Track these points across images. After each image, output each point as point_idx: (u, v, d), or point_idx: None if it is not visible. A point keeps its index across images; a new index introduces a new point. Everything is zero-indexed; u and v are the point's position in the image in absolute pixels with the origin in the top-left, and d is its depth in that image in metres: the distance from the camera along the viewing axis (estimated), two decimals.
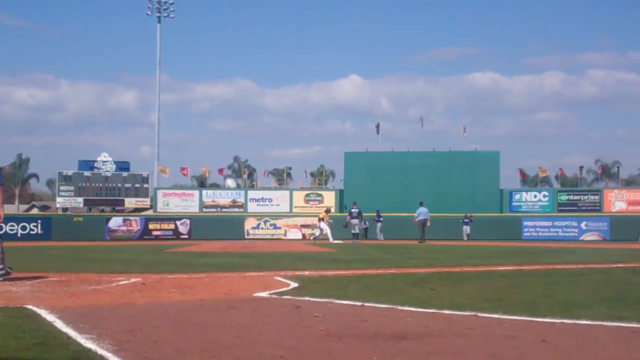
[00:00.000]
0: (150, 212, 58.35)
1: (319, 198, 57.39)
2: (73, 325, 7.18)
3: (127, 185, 57.56)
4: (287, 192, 58.94)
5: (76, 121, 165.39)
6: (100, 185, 56.80)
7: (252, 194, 58.39)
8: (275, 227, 54.49)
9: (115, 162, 58.20)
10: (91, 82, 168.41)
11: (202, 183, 79.15)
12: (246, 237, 53.50)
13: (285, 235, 53.95)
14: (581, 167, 72.78)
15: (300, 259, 22.55)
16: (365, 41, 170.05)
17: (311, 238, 43.10)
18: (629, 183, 78.98)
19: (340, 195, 57.37)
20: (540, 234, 52.09)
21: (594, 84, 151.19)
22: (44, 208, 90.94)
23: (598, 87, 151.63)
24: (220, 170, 68.29)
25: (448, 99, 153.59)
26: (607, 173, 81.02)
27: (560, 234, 51.86)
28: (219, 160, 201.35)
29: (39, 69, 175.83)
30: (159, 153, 67.06)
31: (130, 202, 58.05)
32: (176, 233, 53.25)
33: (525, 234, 52.39)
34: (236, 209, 56.86)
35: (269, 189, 62.94)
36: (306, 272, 15.47)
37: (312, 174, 72.83)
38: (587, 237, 51.07)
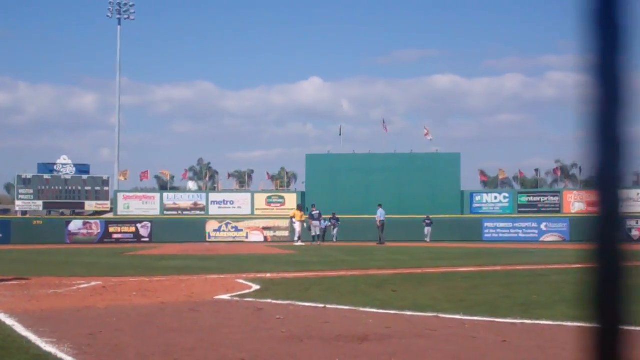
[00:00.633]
0: (110, 215, 57.87)
1: (280, 200, 57.31)
2: (33, 329, 7.12)
3: (87, 188, 57.08)
4: (248, 195, 58.78)
5: (35, 124, 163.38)
6: (60, 188, 56.24)
7: (213, 196, 58.14)
8: (237, 229, 54.29)
9: (75, 165, 57.67)
10: (51, 84, 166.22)
11: (163, 186, 78.73)
12: (208, 239, 53.23)
13: (247, 237, 53.76)
14: (537, 170, 73.46)
15: (262, 261, 22.54)
16: (326, 43, 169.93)
17: (297, 242, 42.80)
18: (588, 184, 79.54)
19: (302, 197, 57.33)
20: (500, 235, 52.39)
21: (553, 86, 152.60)
22: (3, 212, 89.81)
23: (557, 89, 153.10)
24: (185, 174, 68.08)
25: (409, 101, 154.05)
26: (566, 174, 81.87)
27: (520, 235, 52.20)
28: (181, 162, 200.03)
29: None
30: (119, 156, 66.72)
31: (90, 205, 57.55)
32: (137, 236, 52.84)
33: (485, 235, 52.68)
34: (197, 212, 56.60)
35: (231, 191, 62.69)
36: (268, 275, 15.47)
37: (273, 177, 72.66)
38: (547, 238, 51.47)
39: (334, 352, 5.96)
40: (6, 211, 69.18)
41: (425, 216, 50.69)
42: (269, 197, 57.98)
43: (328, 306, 9.28)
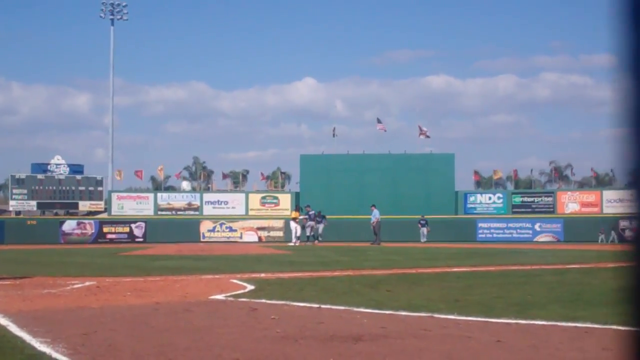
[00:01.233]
0: (104, 215, 57.77)
1: (275, 201, 57.28)
2: (27, 329, 7.11)
3: (81, 188, 57.00)
4: (242, 195, 58.74)
5: (29, 124, 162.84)
6: (54, 188, 56.16)
7: (207, 196, 58.09)
8: (231, 229, 54.23)
9: (69, 165, 57.58)
10: (44, 84, 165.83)
11: (157, 186, 78.63)
12: (202, 240, 53.16)
13: (241, 238, 53.70)
14: (531, 170, 73.50)
15: (256, 261, 22.53)
16: (319, 44, 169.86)
17: (295, 243, 42.68)
18: (582, 185, 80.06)
19: (297, 198, 57.27)
20: (494, 235, 52.39)
21: (547, 87, 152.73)
22: None
23: (551, 90, 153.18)
24: (178, 174, 67.98)
25: (403, 102, 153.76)
26: (561, 175, 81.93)
27: (514, 235, 52.21)
28: (175, 162, 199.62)
29: None
30: (113, 156, 66.51)
31: (84, 206, 57.46)
32: (131, 236, 52.75)
33: (480, 235, 52.67)
34: (192, 212, 56.54)
35: (225, 191, 62.59)
36: (262, 275, 15.46)
37: (268, 177, 72.52)
38: (541, 238, 51.49)
39: (329, 352, 5.96)
40: (0, 211, 69.07)
41: (420, 216, 50.66)
42: (263, 198, 57.94)
43: (322, 306, 9.28)
